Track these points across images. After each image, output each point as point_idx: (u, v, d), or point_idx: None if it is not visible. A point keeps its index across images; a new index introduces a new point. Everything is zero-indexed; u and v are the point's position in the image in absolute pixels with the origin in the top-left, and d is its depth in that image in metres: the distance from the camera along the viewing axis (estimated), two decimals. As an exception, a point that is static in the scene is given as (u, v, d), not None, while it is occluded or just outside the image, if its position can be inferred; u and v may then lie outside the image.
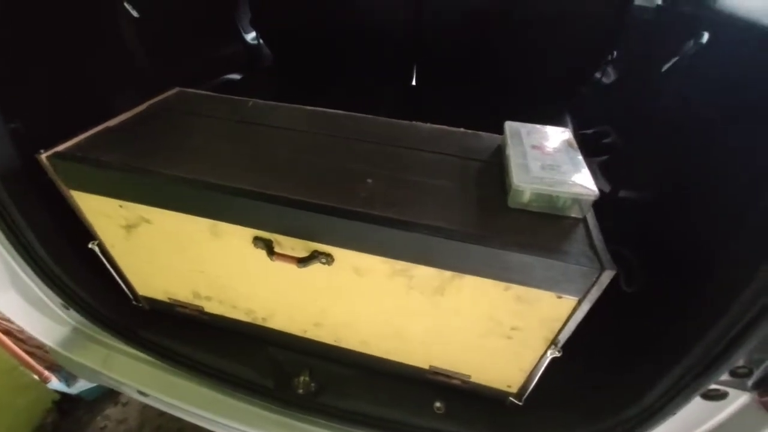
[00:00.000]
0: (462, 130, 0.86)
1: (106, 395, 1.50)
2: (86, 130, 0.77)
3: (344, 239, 0.64)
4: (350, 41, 1.55)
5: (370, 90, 1.55)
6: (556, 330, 0.64)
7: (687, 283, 0.67)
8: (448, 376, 0.84)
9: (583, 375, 0.79)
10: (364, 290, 0.71)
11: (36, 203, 0.82)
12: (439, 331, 0.74)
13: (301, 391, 0.87)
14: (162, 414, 1.44)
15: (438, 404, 0.85)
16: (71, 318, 1.00)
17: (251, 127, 0.84)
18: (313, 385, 0.88)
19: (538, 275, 0.57)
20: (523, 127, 0.76)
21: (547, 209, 0.62)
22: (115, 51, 1.07)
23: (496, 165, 0.74)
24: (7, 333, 1.17)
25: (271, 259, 0.67)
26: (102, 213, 0.77)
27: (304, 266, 0.66)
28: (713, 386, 0.58)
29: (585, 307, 0.58)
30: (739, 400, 0.61)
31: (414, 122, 0.87)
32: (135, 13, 1.09)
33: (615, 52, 1.43)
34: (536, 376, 0.73)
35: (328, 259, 0.67)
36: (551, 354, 0.66)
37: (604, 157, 1.18)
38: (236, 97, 0.95)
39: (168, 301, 0.95)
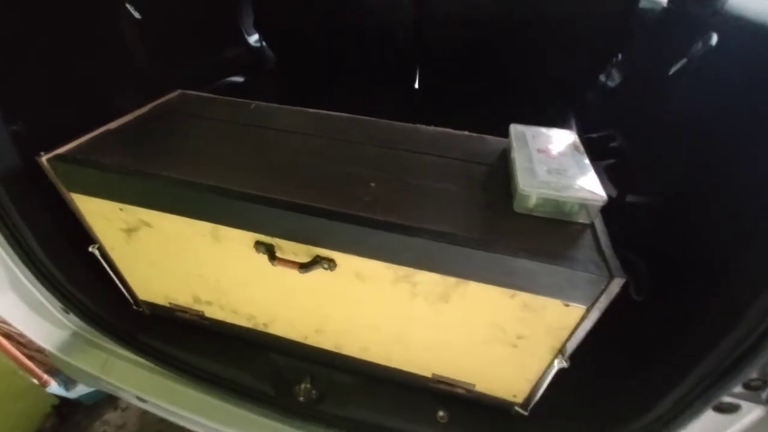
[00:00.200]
0: (466, 133, 0.85)
1: (106, 400, 1.49)
2: (87, 132, 0.77)
3: (347, 244, 0.63)
4: (353, 44, 1.55)
5: (372, 92, 1.54)
6: (563, 339, 0.62)
7: (698, 291, 0.65)
8: (451, 385, 0.82)
9: (591, 384, 0.77)
10: (367, 296, 0.70)
11: (36, 206, 0.81)
12: (442, 339, 0.72)
13: (301, 398, 0.86)
14: (162, 420, 1.42)
15: (441, 413, 0.83)
16: (71, 322, 0.99)
17: (253, 129, 0.84)
18: (314, 392, 0.86)
19: (544, 282, 0.56)
20: (529, 130, 0.75)
21: (553, 214, 0.61)
22: (116, 52, 1.07)
23: (501, 169, 0.73)
24: (8, 336, 1.16)
25: (273, 264, 0.66)
26: (102, 216, 0.76)
27: (306, 271, 0.65)
28: (726, 398, 0.56)
29: (593, 316, 0.57)
30: (752, 413, 0.59)
31: (417, 125, 0.86)
32: (137, 15, 1.09)
33: (620, 55, 1.42)
34: (542, 386, 0.71)
35: (331, 264, 0.66)
36: (558, 364, 0.65)
37: (611, 161, 1.17)
38: (238, 100, 0.94)
39: (168, 305, 0.94)
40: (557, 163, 0.66)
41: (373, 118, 0.88)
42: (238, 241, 0.69)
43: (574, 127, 1.29)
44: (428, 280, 0.62)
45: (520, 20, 1.33)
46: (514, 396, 0.78)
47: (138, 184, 0.68)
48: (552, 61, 1.38)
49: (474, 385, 0.80)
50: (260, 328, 0.89)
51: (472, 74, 1.51)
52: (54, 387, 1.32)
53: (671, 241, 0.76)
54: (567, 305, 0.57)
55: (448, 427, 0.82)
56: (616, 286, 0.52)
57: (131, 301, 0.96)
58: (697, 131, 0.81)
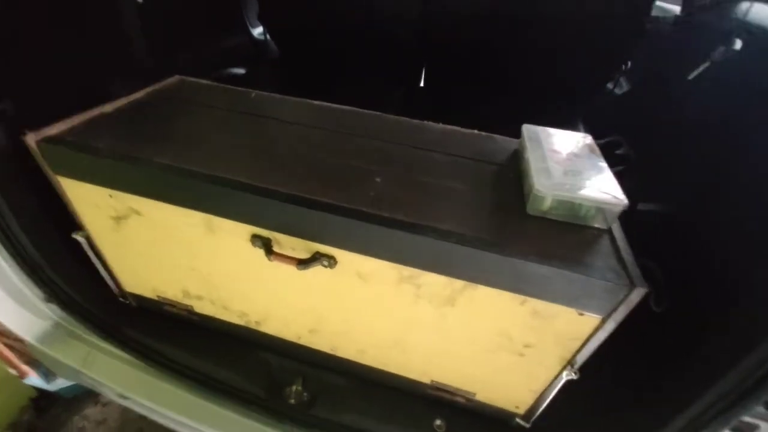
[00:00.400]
0: (475, 132, 0.82)
1: (86, 394, 1.44)
2: (79, 114, 0.73)
3: (349, 241, 0.59)
4: (358, 40, 1.52)
5: (376, 90, 1.51)
6: (574, 350, 0.59)
7: (717, 304, 0.62)
8: (450, 393, 0.78)
9: (599, 397, 0.74)
10: (367, 297, 0.66)
11: (21, 188, 0.77)
12: (444, 345, 0.69)
13: (292, 401, 0.82)
14: (143, 417, 1.38)
15: (438, 422, 0.80)
16: (52, 312, 0.94)
17: (254, 119, 0.80)
18: (305, 394, 0.83)
19: (558, 289, 0.53)
20: (542, 131, 0.73)
21: (568, 218, 0.58)
22: (115, 35, 1.03)
23: (512, 170, 0.70)
24: (-15, 325, 1.11)
25: (269, 260, 0.62)
26: (90, 202, 0.72)
27: (305, 268, 0.61)
28: (745, 418, 0.53)
29: (609, 327, 0.54)
30: (770, 434, 0.57)
31: (424, 122, 0.83)
32: None
33: (630, 63, 1.40)
34: (548, 397, 0.68)
35: (331, 261, 0.62)
36: (567, 376, 0.62)
37: (620, 168, 1.14)
38: (238, 88, 0.91)
39: (156, 298, 0.89)
40: (573, 165, 0.63)
41: (378, 113, 0.85)
42: (233, 234, 0.65)
43: (582, 132, 1.27)
44: (434, 282, 0.59)
45: (528, 22, 1.31)
46: (517, 407, 0.74)
47: (129, 169, 0.64)
48: (560, 65, 1.36)
49: (474, 394, 0.76)
50: (252, 325, 0.85)
51: (478, 75, 1.48)
52: (33, 379, 1.27)
53: (686, 251, 0.74)
54: (581, 314, 0.54)
55: (445, 436, 0.79)
56: (636, 296, 0.49)
57: (117, 292, 0.92)
58: (717, 136, 0.79)
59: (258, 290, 0.76)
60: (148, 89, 0.86)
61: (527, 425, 0.75)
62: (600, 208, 0.56)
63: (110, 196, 0.68)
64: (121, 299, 0.94)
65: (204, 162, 0.63)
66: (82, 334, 0.96)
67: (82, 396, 1.45)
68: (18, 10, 0.77)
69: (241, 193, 0.59)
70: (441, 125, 0.83)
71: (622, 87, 1.47)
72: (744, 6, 0.89)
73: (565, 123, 1.29)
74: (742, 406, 0.51)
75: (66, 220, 0.78)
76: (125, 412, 1.42)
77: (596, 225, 0.58)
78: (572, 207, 0.57)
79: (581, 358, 0.60)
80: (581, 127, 1.31)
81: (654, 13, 1.26)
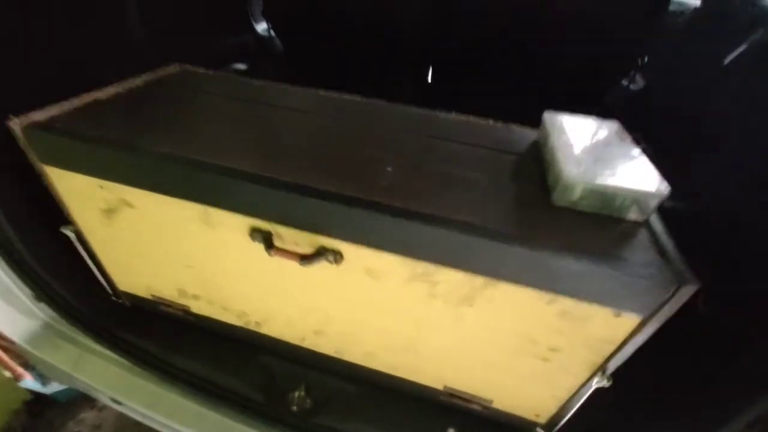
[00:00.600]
0: (491, 121, 0.76)
1: (82, 398, 1.39)
2: (69, 100, 0.68)
3: (357, 234, 0.54)
4: (364, 36, 1.48)
5: (383, 86, 1.46)
6: (607, 354, 0.53)
7: (762, 307, 0.57)
8: (465, 399, 0.73)
9: (629, 407, 0.68)
10: (377, 296, 0.61)
11: (6, 179, 0.72)
12: (460, 348, 0.64)
13: (295, 407, 0.77)
14: (140, 423, 1.33)
15: (452, 431, 0.74)
16: (42, 312, 0.90)
17: (257, 107, 0.75)
18: (308, 401, 0.78)
19: (592, 287, 0.47)
20: (566, 118, 0.67)
21: (600, 209, 0.53)
22: (112, 21, 0.98)
23: (533, 160, 0.65)
24: (-25, 326, 1.06)
25: (270, 255, 0.57)
26: (79, 194, 0.67)
27: (308, 264, 0.56)
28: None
29: (650, 329, 0.48)
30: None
31: (437, 112, 0.78)
32: None
33: (646, 58, 1.35)
34: (574, 406, 0.62)
35: (337, 257, 0.57)
36: (597, 383, 0.56)
37: None
38: (242, 77, 0.86)
39: (151, 298, 0.84)
40: (604, 152, 0.57)
41: (387, 102, 0.80)
42: (232, 227, 0.60)
43: None
44: (451, 279, 0.53)
45: (539, 15, 1.26)
46: (537, 415, 0.69)
47: (121, 158, 0.59)
48: (572, 61, 1.31)
49: (491, 401, 0.71)
50: (252, 327, 0.80)
51: (488, 70, 1.44)
52: (28, 381, 1.22)
53: (723, 250, 0.68)
54: (618, 315, 0.49)
55: (458, 447, 0.73)
56: (685, 293, 0.43)
57: (110, 291, 0.87)
58: (749, 131, 0.73)
59: (258, 289, 0.70)
60: (146, 77, 0.81)
61: (549, 436, 0.70)
62: (637, 198, 0.51)
63: (101, 186, 0.63)
64: (114, 299, 0.89)
65: (201, 150, 0.58)
66: (74, 336, 0.91)
67: (78, 400, 1.41)
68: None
69: (240, 181, 0.54)
70: (454, 115, 0.78)
71: (637, 83, 1.42)
72: None
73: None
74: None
75: (55, 214, 0.73)
76: (121, 417, 1.37)
77: (632, 217, 0.52)
78: (605, 197, 0.52)
79: (614, 364, 0.54)
80: None
81: (672, 8, 1.21)
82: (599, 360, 0.55)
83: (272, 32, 1.74)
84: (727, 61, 0.84)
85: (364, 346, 0.73)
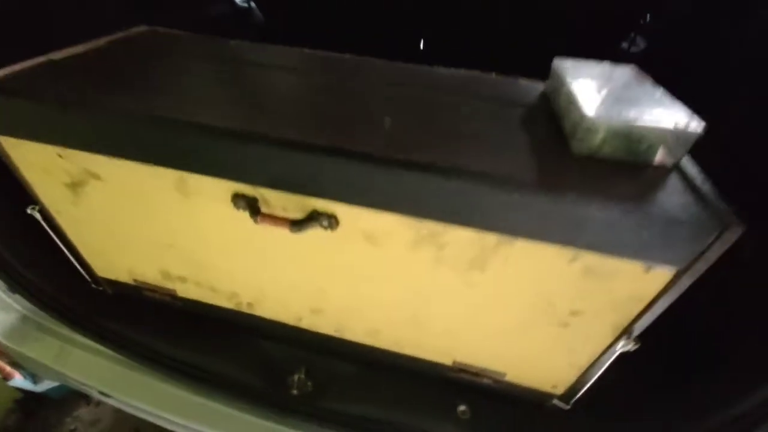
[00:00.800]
0: (494, 75, 0.70)
1: (76, 394, 1.34)
2: (20, 63, 0.60)
3: (353, 193, 0.47)
4: (351, 6, 1.39)
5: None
6: (634, 315, 0.48)
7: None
8: (476, 374, 0.68)
9: (656, 372, 0.63)
10: (378, 266, 0.55)
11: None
12: (470, 318, 0.58)
13: (295, 392, 0.72)
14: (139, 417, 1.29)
15: (462, 408, 0.71)
16: (18, 304, 0.83)
17: (237, 66, 0.68)
18: (309, 384, 0.73)
19: (622, 238, 0.42)
20: (579, 63, 0.61)
21: (625, 155, 0.47)
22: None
23: (544, 112, 0.59)
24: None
25: (256, 222, 0.51)
26: (38, 166, 0.60)
27: (299, 231, 0.50)
28: None
29: (685, 283, 0.43)
30: None
31: (436, 66, 0.71)
32: None
33: (648, 16, 1.27)
34: (594, 374, 0.58)
35: (332, 221, 0.51)
36: (622, 347, 0.51)
37: None
38: (218, 37, 0.78)
39: (133, 283, 0.78)
40: (626, 93, 0.51)
41: (380, 60, 0.73)
42: (212, 195, 0.54)
43: None
44: (460, 239, 0.48)
45: None
46: (554, 386, 0.64)
47: (75, 118, 0.52)
48: (566, 25, 1.24)
49: (504, 374, 0.66)
50: (244, 308, 0.74)
51: (478, 39, 1.36)
52: (18, 380, 1.17)
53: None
54: (648, 269, 0.43)
55: (470, 423, 0.69)
56: (731, 236, 0.38)
57: (89, 278, 0.81)
58: None
59: (247, 265, 0.64)
60: (109, 37, 0.73)
61: (566, 406, 0.65)
62: (667, 137, 0.45)
63: (59, 155, 0.56)
64: (94, 286, 0.82)
65: (172, 108, 0.51)
66: (54, 327, 0.85)
67: (72, 396, 1.36)
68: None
69: (219, 139, 0.48)
70: (454, 70, 0.71)
71: (638, 45, 1.34)
72: None
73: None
74: None
75: (23, 195, 0.66)
76: (119, 411, 1.32)
77: (659, 160, 0.46)
78: (631, 140, 0.46)
79: (642, 325, 0.49)
80: None
81: None
82: (624, 322, 0.50)
83: (252, 3, 1.64)
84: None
85: (365, 322, 0.68)
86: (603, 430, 0.64)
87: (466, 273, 0.51)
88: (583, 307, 0.50)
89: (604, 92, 0.51)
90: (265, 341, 0.79)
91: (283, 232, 0.51)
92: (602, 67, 0.60)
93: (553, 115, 0.57)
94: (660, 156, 0.46)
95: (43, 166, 0.59)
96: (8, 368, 1.14)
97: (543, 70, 0.66)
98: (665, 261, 0.42)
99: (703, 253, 0.39)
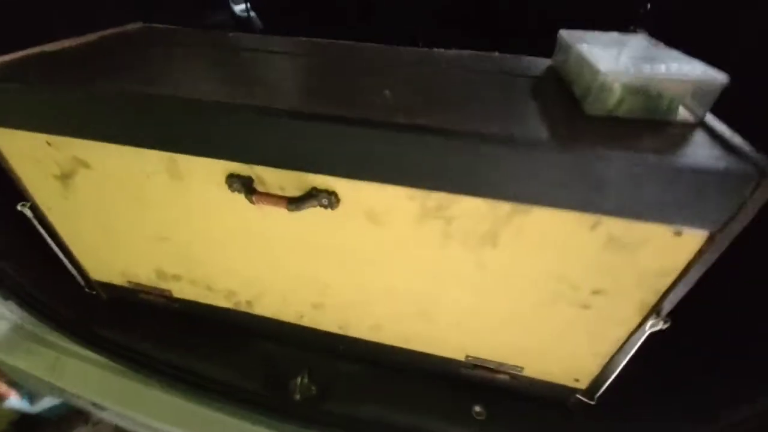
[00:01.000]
0: (496, 53, 0.68)
1: (74, 413, 1.30)
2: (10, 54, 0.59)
3: (353, 163, 0.44)
4: (350, 14, 1.40)
5: None
6: (663, 290, 0.44)
7: None
8: (491, 370, 0.63)
9: (691, 360, 0.58)
10: (382, 248, 0.52)
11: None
12: (482, 303, 0.54)
13: (298, 396, 0.68)
14: (137, 433, 1.24)
15: (478, 408, 0.66)
16: (11, 312, 0.80)
17: (232, 51, 0.67)
18: (313, 388, 0.69)
19: (648, 196, 0.38)
20: (588, 33, 0.58)
21: (644, 113, 0.43)
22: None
23: (553, 81, 0.56)
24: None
25: (252, 202, 0.48)
26: (28, 157, 0.58)
27: (297, 209, 0.47)
28: None
29: (721, 246, 0.39)
30: None
31: (435, 49, 0.69)
32: None
33: (648, 5, 1.26)
34: (621, 362, 0.53)
35: (332, 199, 0.47)
36: (651, 327, 0.46)
37: None
38: (215, 31, 0.77)
39: (128, 285, 0.75)
40: (640, 53, 0.48)
41: (378, 45, 0.71)
42: (205, 177, 0.51)
43: None
44: (470, 210, 0.44)
45: None
46: (577, 380, 0.59)
47: (66, 100, 0.50)
48: (563, 13, 1.23)
49: (522, 368, 0.61)
50: (243, 308, 0.71)
51: (475, 24, 1.35)
52: (14, 400, 1.13)
53: None
54: (678, 233, 0.39)
55: (486, 425, 0.64)
56: (768, 190, 0.34)
57: (82, 282, 0.78)
58: None
59: (243, 256, 0.61)
60: (104, 32, 0.72)
61: (591, 402, 0.60)
62: (689, 90, 0.42)
63: (48, 143, 0.54)
64: (88, 290, 0.79)
65: (162, 87, 0.49)
66: (48, 337, 0.82)
67: (70, 416, 1.31)
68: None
69: (211, 114, 0.45)
70: (455, 50, 0.69)
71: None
72: None
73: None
74: None
75: (14, 197, 0.64)
76: (119, 430, 1.27)
77: (682, 117, 0.43)
78: (648, 96, 0.43)
79: (672, 301, 0.45)
80: None
81: None
82: (653, 299, 0.45)
83: (251, 13, 1.67)
84: None
85: (370, 316, 0.64)
86: (633, 428, 0.59)
87: (476, 249, 0.48)
88: (606, 284, 0.46)
89: (616, 52, 0.49)
90: (265, 343, 0.75)
91: (281, 216, 0.48)
92: (611, 35, 0.58)
93: (563, 83, 0.54)
94: (682, 112, 0.43)
95: (33, 157, 0.57)
96: (4, 387, 1.10)
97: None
98: (697, 222, 0.38)
99: (740, 208, 0.35)
